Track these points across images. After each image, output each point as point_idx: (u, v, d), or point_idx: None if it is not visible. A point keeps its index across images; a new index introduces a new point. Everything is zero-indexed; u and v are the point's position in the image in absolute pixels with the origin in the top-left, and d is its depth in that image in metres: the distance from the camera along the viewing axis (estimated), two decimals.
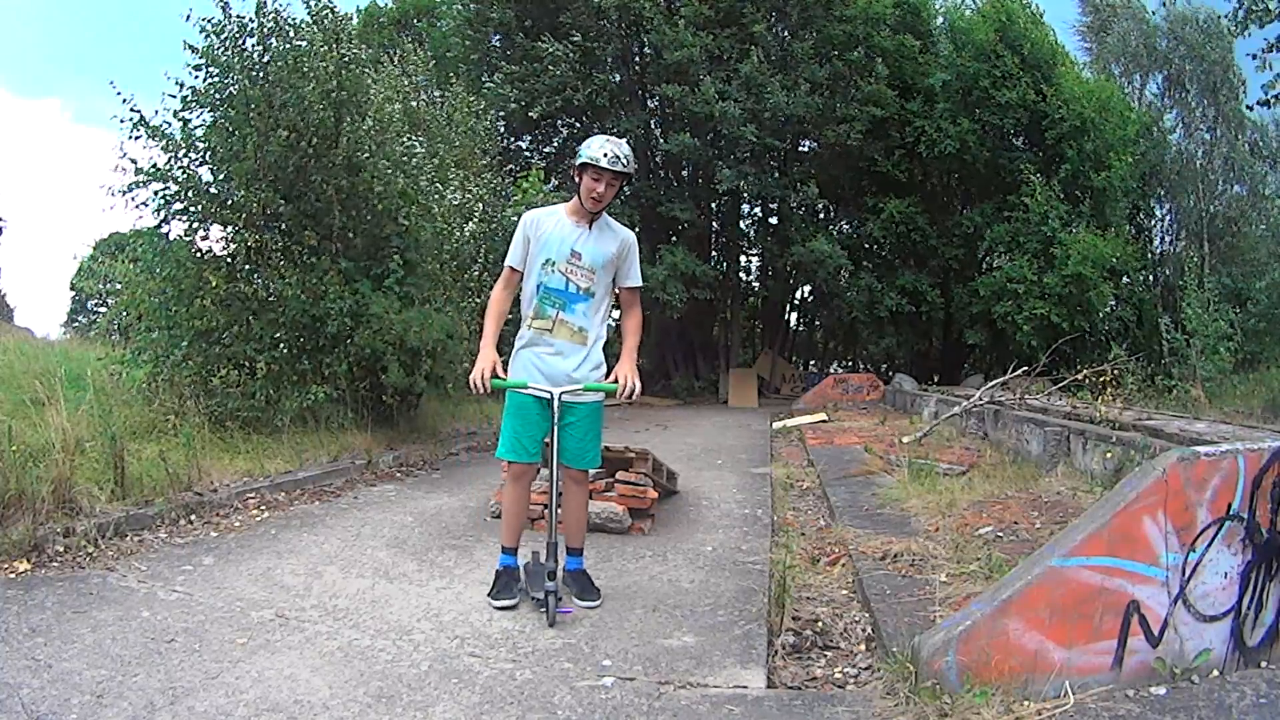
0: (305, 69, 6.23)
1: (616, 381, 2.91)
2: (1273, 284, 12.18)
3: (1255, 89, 14.38)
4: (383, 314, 6.28)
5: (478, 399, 8.73)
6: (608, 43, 14.12)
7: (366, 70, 6.95)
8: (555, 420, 2.88)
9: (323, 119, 6.25)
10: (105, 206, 6.12)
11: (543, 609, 2.82)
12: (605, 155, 2.85)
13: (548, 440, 2.98)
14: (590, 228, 2.98)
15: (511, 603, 2.96)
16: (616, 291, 3.12)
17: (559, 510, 3.06)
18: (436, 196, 7.46)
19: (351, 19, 7.49)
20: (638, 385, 2.90)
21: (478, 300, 7.96)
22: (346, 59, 6.52)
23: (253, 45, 6.30)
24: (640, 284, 3.10)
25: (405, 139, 7.32)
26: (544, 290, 2.95)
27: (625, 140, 3.02)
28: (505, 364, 2.99)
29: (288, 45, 6.33)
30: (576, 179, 2.95)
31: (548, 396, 2.88)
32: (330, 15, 6.71)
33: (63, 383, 4.27)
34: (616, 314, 3.30)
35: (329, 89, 6.33)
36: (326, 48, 6.40)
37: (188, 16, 6.14)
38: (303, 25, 6.54)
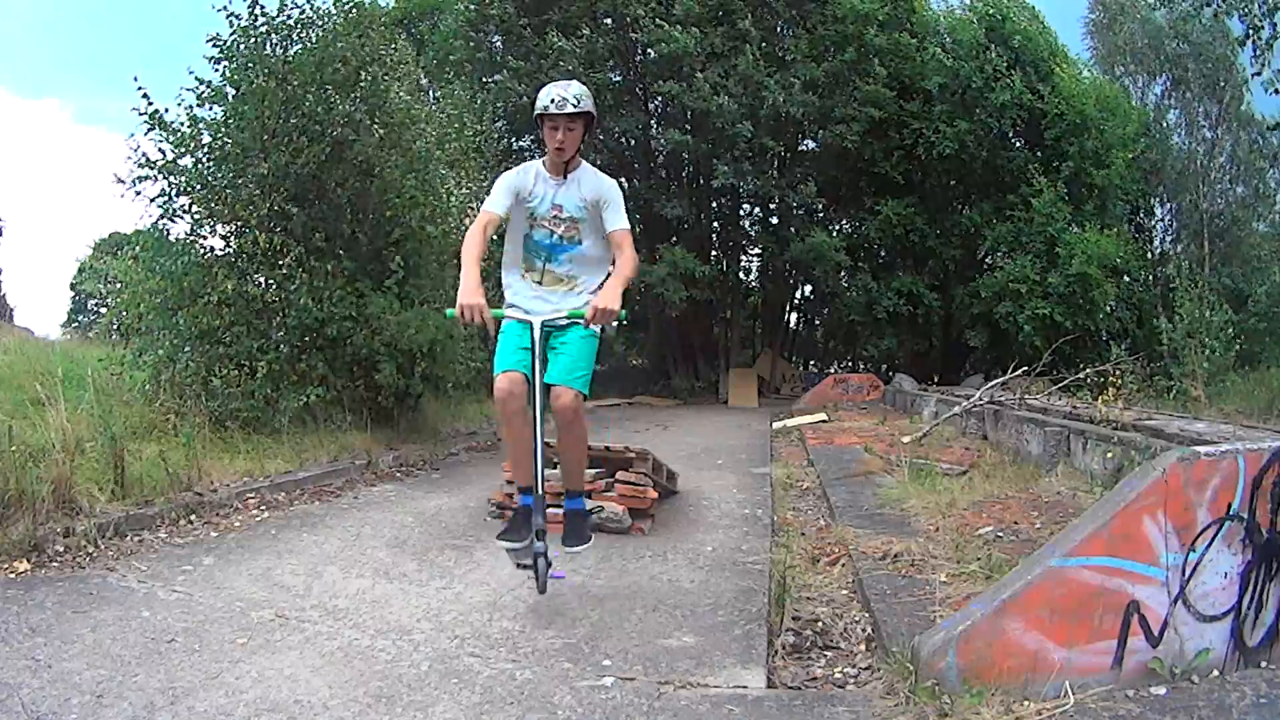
0: (328, 75, 6.20)
1: (589, 306, 2.80)
2: (1273, 285, 12.19)
3: (1259, 88, 14.42)
4: (380, 314, 6.27)
5: (478, 399, 8.74)
6: (606, 40, 14.13)
7: (389, 72, 6.92)
8: (536, 349, 2.77)
9: (344, 127, 6.22)
10: (117, 194, 6.12)
11: (533, 577, 2.67)
12: (553, 100, 2.81)
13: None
14: (566, 178, 2.96)
15: (518, 545, 2.86)
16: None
17: (555, 456, 2.98)
18: (447, 197, 7.47)
19: (381, 9, 7.47)
20: (613, 307, 2.72)
21: None
22: (369, 58, 6.49)
23: (276, 41, 6.28)
24: (625, 226, 2.99)
25: (422, 139, 7.31)
26: (530, 243, 2.99)
27: (574, 81, 2.97)
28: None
29: (313, 42, 6.31)
30: (541, 133, 2.94)
31: (528, 321, 2.83)
32: (356, 8, 6.68)
33: (63, 383, 4.27)
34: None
35: (349, 90, 6.29)
36: (350, 44, 6.35)
37: (223, 8, 6.17)
38: (327, 17, 6.51)
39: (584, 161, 3.02)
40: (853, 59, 14.22)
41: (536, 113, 2.87)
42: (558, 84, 2.89)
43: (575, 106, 2.81)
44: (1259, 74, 8.43)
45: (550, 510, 2.88)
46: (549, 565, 2.67)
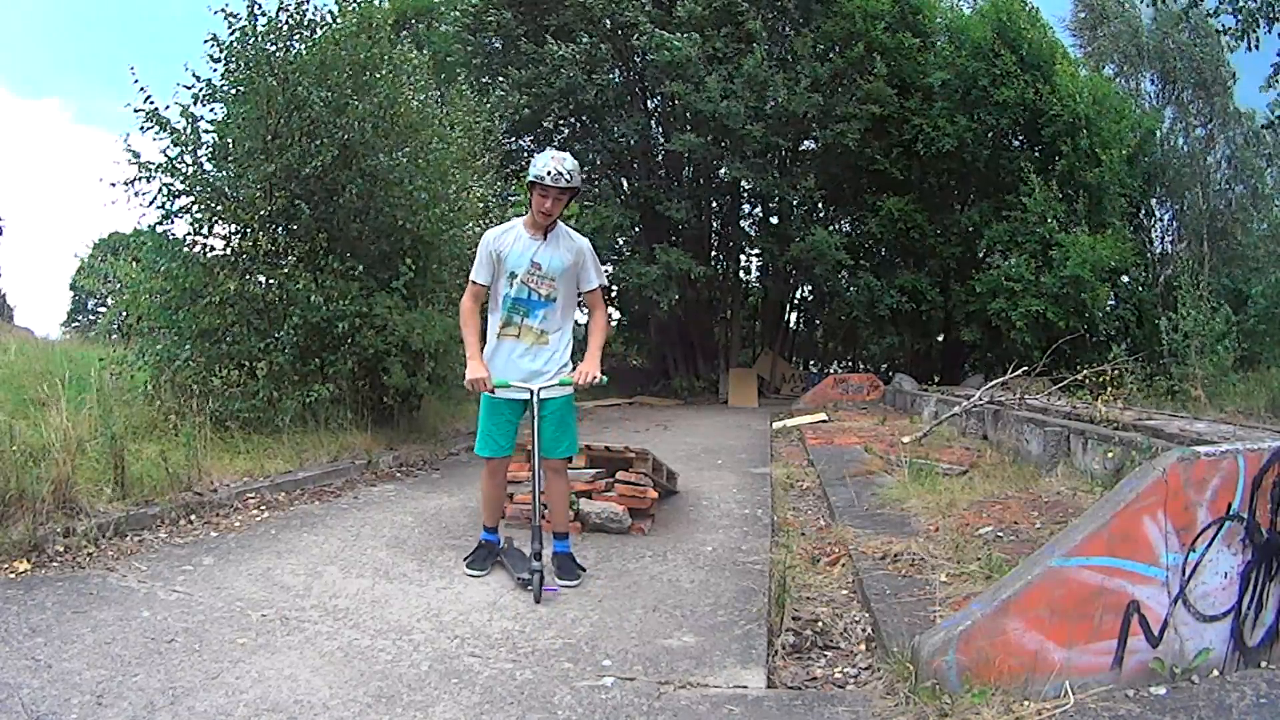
0: (335, 77, 6.17)
1: (577, 371, 3.18)
2: (1272, 286, 12.18)
3: (1247, 83, 14.53)
4: (387, 315, 6.26)
5: (477, 400, 8.73)
6: (605, 44, 14.13)
7: (401, 75, 6.89)
8: (536, 415, 3.16)
9: (355, 129, 6.19)
10: (109, 200, 6.05)
11: (529, 589, 3.04)
12: (549, 174, 3.06)
13: (528, 432, 3.25)
14: (546, 238, 3.22)
15: (482, 573, 3.31)
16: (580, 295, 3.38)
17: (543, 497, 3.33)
18: (462, 196, 7.46)
19: (381, 9, 7.44)
20: (597, 375, 3.14)
21: None
22: (378, 60, 6.47)
23: (276, 41, 6.24)
24: (599, 285, 3.34)
25: (441, 140, 7.28)
26: (510, 301, 3.23)
27: (569, 156, 3.21)
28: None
29: (315, 42, 6.29)
30: (529, 194, 3.19)
31: (527, 396, 3.17)
32: (360, 7, 6.65)
33: (64, 383, 4.27)
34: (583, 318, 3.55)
35: (359, 93, 6.27)
36: (359, 45, 6.33)
37: (218, 11, 6.12)
38: (329, 19, 6.49)
39: (560, 222, 3.29)
40: (857, 56, 14.19)
41: (531, 178, 3.10)
42: (555, 156, 3.13)
43: (568, 182, 3.09)
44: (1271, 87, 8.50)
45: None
46: (543, 579, 3.05)
